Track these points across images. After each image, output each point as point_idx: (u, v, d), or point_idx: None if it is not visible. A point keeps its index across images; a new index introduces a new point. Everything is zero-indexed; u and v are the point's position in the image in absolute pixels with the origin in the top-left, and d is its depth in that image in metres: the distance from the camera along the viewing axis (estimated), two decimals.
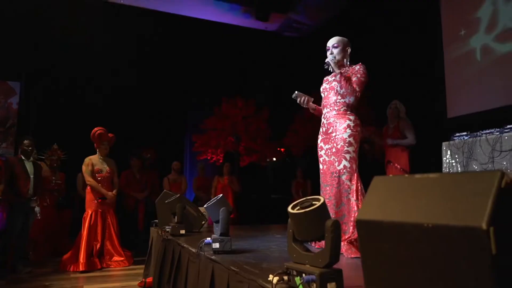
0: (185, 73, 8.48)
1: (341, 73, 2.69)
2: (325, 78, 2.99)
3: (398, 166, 4.75)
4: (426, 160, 4.98)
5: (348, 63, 2.85)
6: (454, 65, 4.98)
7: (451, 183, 0.89)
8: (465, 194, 0.84)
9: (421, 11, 5.61)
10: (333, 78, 2.84)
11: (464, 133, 3.66)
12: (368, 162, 5.34)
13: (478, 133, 3.53)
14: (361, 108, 6.37)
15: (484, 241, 0.75)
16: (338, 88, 2.72)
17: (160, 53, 7.90)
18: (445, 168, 3.68)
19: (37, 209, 4.75)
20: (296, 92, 2.85)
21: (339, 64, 2.75)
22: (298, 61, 8.18)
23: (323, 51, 2.92)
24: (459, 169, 3.52)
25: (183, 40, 7.95)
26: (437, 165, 3.96)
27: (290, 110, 7.79)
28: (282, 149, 8.78)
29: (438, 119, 5.15)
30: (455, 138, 3.72)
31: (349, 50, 2.87)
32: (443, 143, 3.80)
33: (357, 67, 2.79)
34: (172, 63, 8.21)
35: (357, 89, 2.71)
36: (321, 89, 2.94)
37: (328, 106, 2.80)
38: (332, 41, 2.88)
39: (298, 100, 2.87)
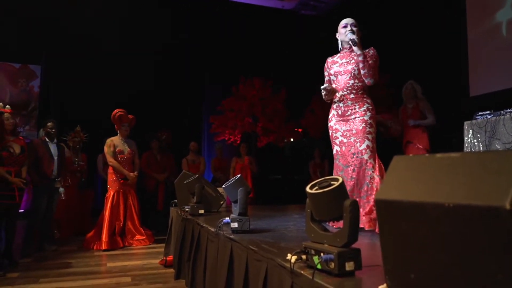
0: (202, 53, 8.46)
1: (365, 55, 2.72)
2: (331, 60, 2.96)
3: (421, 146, 4.67)
4: (447, 140, 4.89)
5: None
6: (478, 41, 4.82)
7: (473, 162, 0.87)
8: (488, 174, 0.82)
9: None
10: (346, 60, 2.85)
11: (487, 112, 3.56)
12: (385, 142, 5.27)
13: (502, 111, 3.42)
14: (379, 89, 6.27)
15: (507, 222, 0.73)
16: (356, 72, 2.75)
17: (178, 34, 7.87)
18: (466, 148, 3.60)
19: (61, 189, 4.87)
20: (326, 84, 2.84)
21: (353, 41, 2.76)
22: (315, 40, 8.05)
23: None
24: (481, 148, 3.44)
25: (201, 20, 7.89)
26: (458, 145, 3.88)
27: (308, 91, 7.71)
28: (299, 130, 8.74)
29: (460, 98, 5.02)
30: (478, 117, 3.62)
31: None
32: (465, 123, 3.71)
33: (371, 51, 2.80)
34: (189, 44, 8.19)
35: (376, 73, 2.77)
36: (332, 72, 2.92)
37: (345, 89, 2.82)
38: (350, 20, 2.87)
39: (325, 94, 2.85)
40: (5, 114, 4.18)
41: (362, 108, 2.75)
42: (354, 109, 2.78)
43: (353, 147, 2.75)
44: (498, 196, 0.76)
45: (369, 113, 2.74)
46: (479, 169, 0.85)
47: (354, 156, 2.73)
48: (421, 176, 0.95)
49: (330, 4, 7.69)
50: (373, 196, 2.63)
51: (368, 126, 2.72)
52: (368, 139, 2.69)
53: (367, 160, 2.67)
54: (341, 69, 2.85)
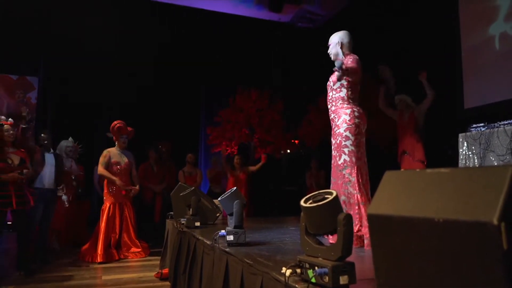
0: (199, 66, 8.51)
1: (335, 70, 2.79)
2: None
3: (416, 158, 4.69)
4: (442, 152, 4.91)
5: (342, 56, 2.88)
6: (472, 54, 4.87)
7: (462, 178, 0.89)
8: (476, 189, 0.84)
9: None
10: (331, 74, 2.91)
11: (481, 124, 3.59)
12: (380, 153, 5.29)
13: (496, 124, 3.45)
14: (375, 99, 6.30)
15: (495, 237, 0.75)
16: (332, 84, 2.82)
17: (176, 46, 7.93)
18: (461, 160, 3.62)
19: (64, 197, 4.84)
20: None
21: (334, 59, 2.88)
22: (312, 52, 8.11)
23: None
24: (476, 161, 3.46)
25: (198, 33, 7.96)
26: (453, 157, 3.90)
27: (305, 101, 7.75)
28: (296, 141, 8.75)
29: (455, 110, 5.06)
30: (472, 129, 3.65)
31: (344, 42, 2.89)
32: (460, 135, 3.74)
33: (347, 58, 2.81)
34: (187, 56, 8.24)
35: (348, 80, 2.75)
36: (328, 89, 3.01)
37: (329, 103, 2.88)
38: (330, 40, 2.97)
39: None
40: (5, 126, 4.18)
41: (340, 120, 2.73)
42: (335, 121, 2.79)
43: (335, 161, 2.76)
44: (486, 211, 0.78)
45: (345, 125, 2.69)
46: (468, 184, 0.86)
47: (337, 170, 2.73)
48: (412, 191, 0.97)
49: (326, 17, 7.77)
50: (355, 213, 2.58)
51: (344, 139, 2.68)
52: (345, 153, 2.66)
53: (344, 174, 2.66)
54: (327, 84, 2.93)
